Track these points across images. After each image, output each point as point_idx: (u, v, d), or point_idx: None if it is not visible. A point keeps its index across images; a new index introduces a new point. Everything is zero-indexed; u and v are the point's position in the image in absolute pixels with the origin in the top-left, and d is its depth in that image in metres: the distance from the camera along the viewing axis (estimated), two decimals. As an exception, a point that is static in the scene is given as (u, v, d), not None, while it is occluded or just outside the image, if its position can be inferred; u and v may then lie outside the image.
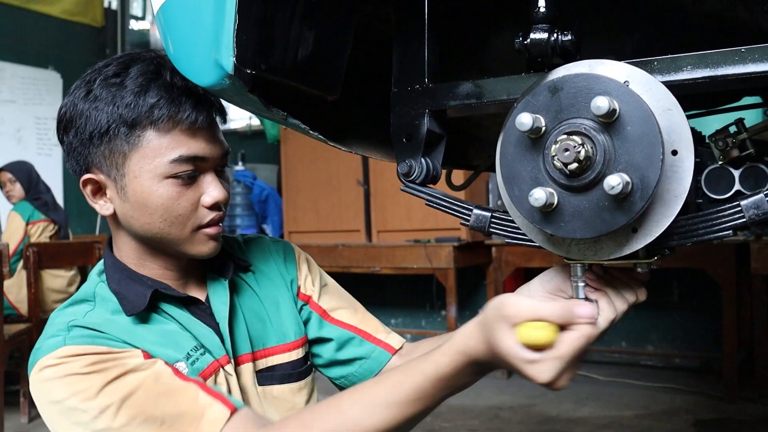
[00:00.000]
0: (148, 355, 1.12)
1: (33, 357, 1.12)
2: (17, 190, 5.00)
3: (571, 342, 0.86)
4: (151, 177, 1.14)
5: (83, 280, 5.17)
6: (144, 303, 1.17)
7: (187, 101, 1.14)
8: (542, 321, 0.86)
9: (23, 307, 4.62)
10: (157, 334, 1.18)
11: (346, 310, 1.42)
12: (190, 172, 1.16)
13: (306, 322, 1.40)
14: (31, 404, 4.34)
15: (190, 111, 1.14)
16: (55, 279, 4.83)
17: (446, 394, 0.99)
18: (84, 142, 1.17)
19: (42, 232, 4.96)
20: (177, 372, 1.11)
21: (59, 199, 5.95)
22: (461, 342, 0.94)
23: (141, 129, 1.13)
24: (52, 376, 1.06)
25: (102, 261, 1.28)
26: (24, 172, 5.05)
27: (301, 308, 1.40)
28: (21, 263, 4.68)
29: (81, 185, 1.21)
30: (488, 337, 0.91)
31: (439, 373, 0.96)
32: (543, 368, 0.86)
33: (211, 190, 1.19)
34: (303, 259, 1.45)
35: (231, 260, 1.32)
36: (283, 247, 1.44)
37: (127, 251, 1.24)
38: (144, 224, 1.18)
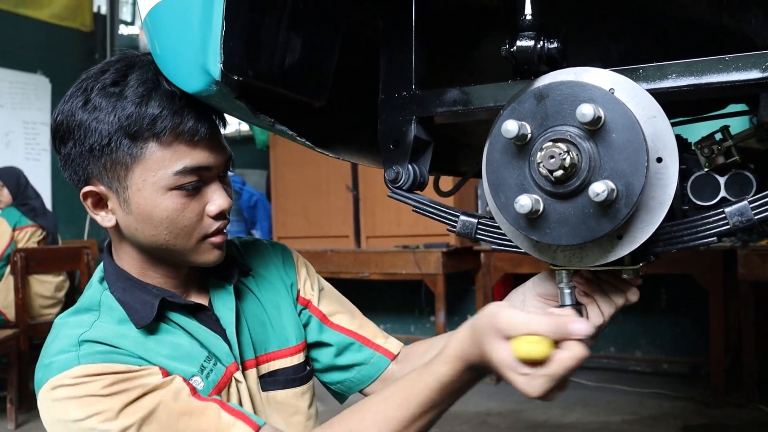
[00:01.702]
0: (165, 372, 1.11)
1: (43, 373, 1.09)
2: (5, 195, 4.97)
3: (562, 362, 0.87)
4: (154, 189, 1.12)
5: (72, 285, 5.17)
6: (152, 313, 1.16)
7: (189, 112, 1.11)
8: (536, 335, 0.88)
9: (10, 313, 4.59)
10: (169, 346, 1.16)
11: (344, 315, 1.42)
12: (195, 183, 1.14)
13: (305, 326, 1.39)
14: (18, 410, 4.32)
15: (193, 122, 1.11)
16: (43, 284, 4.81)
17: (454, 399, 1.02)
18: (83, 153, 1.13)
19: (30, 237, 4.93)
20: (194, 392, 1.11)
21: (48, 204, 5.92)
22: (457, 347, 0.97)
23: (143, 141, 1.10)
24: (67, 395, 1.04)
25: (101, 268, 1.25)
26: (12, 178, 5.02)
27: (300, 312, 1.39)
28: (8, 268, 4.65)
29: (81, 197, 1.17)
30: (480, 344, 0.93)
31: (441, 383, 0.99)
32: (534, 384, 0.88)
33: (215, 198, 1.17)
34: (301, 263, 1.44)
35: (235, 265, 1.31)
36: (282, 251, 1.44)
37: (129, 261, 1.22)
38: (149, 236, 1.15)
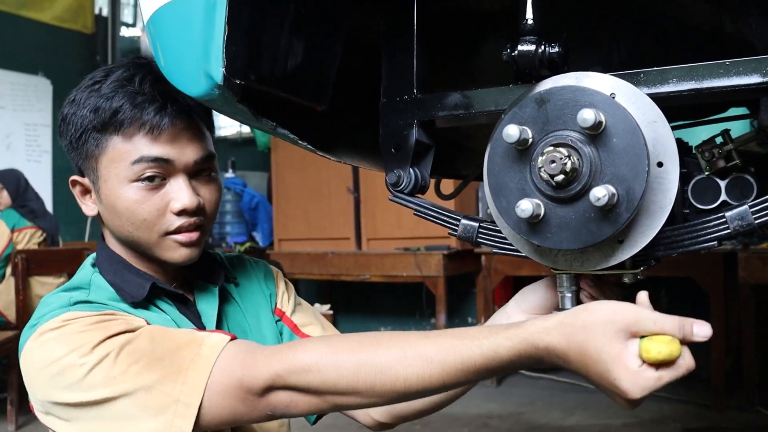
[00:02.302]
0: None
1: (27, 332, 1.10)
2: (4, 197, 4.97)
3: (688, 365, 0.85)
4: (117, 181, 1.16)
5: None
6: (143, 293, 1.18)
7: (150, 106, 1.15)
8: (664, 335, 0.84)
9: (11, 314, 4.59)
10: (158, 319, 1.18)
11: (316, 326, 1.42)
12: (152, 175, 1.16)
13: (279, 335, 1.40)
14: (19, 412, 4.32)
15: (152, 115, 1.14)
16: (44, 286, 4.80)
17: (488, 377, 0.96)
18: (69, 146, 1.21)
19: (29, 239, 4.93)
20: None
21: (49, 206, 5.92)
22: (535, 335, 0.89)
23: (108, 134, 1.15)
24: (51, 337, 1.06)
25: (93, 255, 1.27)
26: (12, 180, 5.03)
27: (276, 322, 1.40)
28: (8, 270, 4.65)
29: (70, 184, 1.24)
30: (583, 342, 0.87)
31: (496, 355, 0.91)
32: (646, 385, 0.84)
33: (180, 196, 1.18)
34: (281, 278, 1.46)
35: (221, 270, 1.32)
36: (264, 266, 1.46)
37: (118, 249, 1.25)
38: (117, 226, 1.19)
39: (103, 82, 1.17)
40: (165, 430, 1.01)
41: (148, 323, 1.12)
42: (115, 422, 1.02)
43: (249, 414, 1.03)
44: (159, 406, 1.01)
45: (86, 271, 1.24)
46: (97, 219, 1.27)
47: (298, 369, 0.98)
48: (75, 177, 1.23)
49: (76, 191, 1.24)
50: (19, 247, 4.82)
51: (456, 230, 1.19)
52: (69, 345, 1.04)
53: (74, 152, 1.20)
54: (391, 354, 0.96)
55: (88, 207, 1.24)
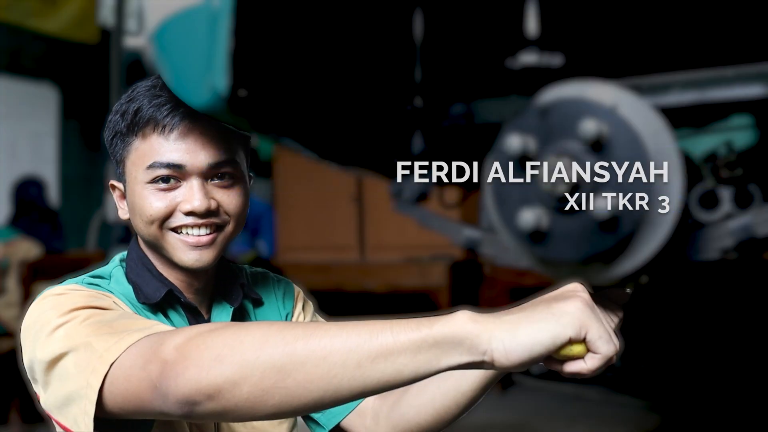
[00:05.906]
0: None
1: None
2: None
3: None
4: (136, 183, 1.17)
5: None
6: (158, 297, 1.19)
7: (165, 106, 1.15)
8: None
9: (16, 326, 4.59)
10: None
11: None
12: (166, 177, 1.16)
13: None
14: (24, 421, 4.32)
15: (165, 114, 1.15)
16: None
17: (408, 361, 0.79)
18: (109, 150, 1.24)
19: (25, 254, 4.86)
20: None
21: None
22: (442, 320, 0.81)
23: (131, 136, 1.17)
24: (48, 300, 1.08)
25: (127, 251, 1.28)
26: (16, 192, 5.02)
27: None
28: (8, 282, 4.63)
29: (110, 189, 1.27)
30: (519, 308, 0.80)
31: (400, 322, 0.80)
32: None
33: (189, 197, 1.18)
34: (301, 298, 1.45)
35: (241, 291, 1.32)
36: (285, 285, 1.44)
37: (146, 251, 1.26)
38: (135, 226, 1.21)
39: (134, 90, 1.20)
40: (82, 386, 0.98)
41: None
42: (60, 382, 1.02)
43: (160, 407, 0.90)
44: (87, 361, 0.98)
45: (112, 263, 1.26)
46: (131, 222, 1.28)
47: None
48: (113, 181, 1.26)
49: (115, 195, 1.27)
50: (12, 261, 4.77)
51: (459, 240, 1.19)
52: (56, 307, 1.06)
53: (111, 157, 1.23)
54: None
55: (123, 210, 1.25)
